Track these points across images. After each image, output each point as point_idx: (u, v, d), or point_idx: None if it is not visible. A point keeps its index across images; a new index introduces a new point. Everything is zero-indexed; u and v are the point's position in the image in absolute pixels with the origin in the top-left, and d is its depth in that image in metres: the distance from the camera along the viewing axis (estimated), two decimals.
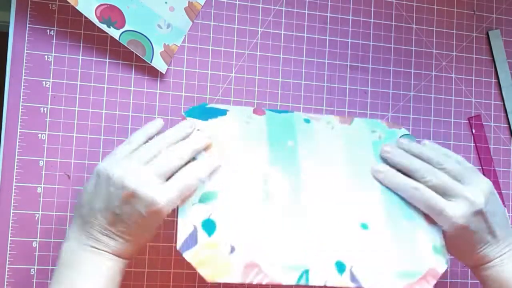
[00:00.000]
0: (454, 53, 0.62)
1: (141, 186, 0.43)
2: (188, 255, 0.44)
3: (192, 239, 0.45)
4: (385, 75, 0.60)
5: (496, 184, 0.62)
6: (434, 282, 0.48)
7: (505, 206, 0.62)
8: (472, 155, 0.61)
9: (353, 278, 0.47)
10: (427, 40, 0.62)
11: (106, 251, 0.43)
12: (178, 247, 0.45)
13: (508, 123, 0.63)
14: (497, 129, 0.63)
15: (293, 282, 0.45)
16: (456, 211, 0.47)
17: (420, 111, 0.61)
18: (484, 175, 0.61)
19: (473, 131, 0.62)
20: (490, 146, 0.62)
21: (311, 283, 0.46)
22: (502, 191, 0.62)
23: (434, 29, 0.62)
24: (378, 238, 0.49)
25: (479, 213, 0.47)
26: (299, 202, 0.49)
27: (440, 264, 0.49)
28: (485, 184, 0.49)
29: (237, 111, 0.53)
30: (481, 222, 0.47)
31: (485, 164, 0.62)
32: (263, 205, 0.48)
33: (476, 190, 0.48)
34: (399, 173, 0.50)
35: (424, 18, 0.62)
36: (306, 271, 0.46)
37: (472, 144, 0.62)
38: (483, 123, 0.62)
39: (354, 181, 0.51)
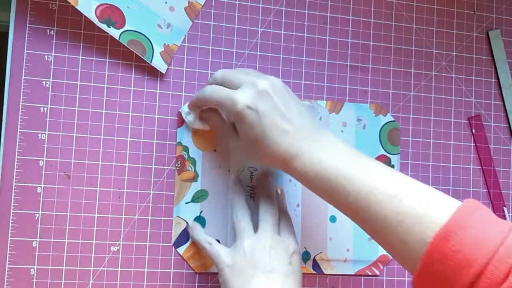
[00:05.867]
0: (454, 53, 0.62)
1: None
2: (180, 250, 0.53)
3: (184, 235, 0.53)
4: (385, 75, 0.60)
5: (496, 184, 0.62)
6: (382, 267, 0.57)
7: (504, 206, 0.62)
8: (472, 155, 0.61)
9: (315, 266, 0.56)
10: (427, 40, 0.62)
11: None
12: (172, 243, 0.53)
13: (508, 123, 0.63)
14: (497, 129, 0.63)
15: None
16: (241, 93, 0.46)
17: (420, 111, 0.61)
18: (484, 175, 0.61)
19: (473, 131, 0.62)
20: (490, 146, 0.62)
21: None
22: (502, 191, 0.62)
23: (434, 29, 0.62)
24: (341, 230, 0.57)
25: (264, 92, 0.45)
26: (282, 197, 0.54)
27: None
28: (274, 78, 0.47)
29: None
30: (269, 103, 0.45)
31: (485, 164, 0.62)
32: (248, 201, 0.53)
33: (261, 78, 0.47)
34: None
35: (424, 18, 0.62)
36: None
37: (472, 144, 0.62)
38: (483, 123, 0.62)
39: None
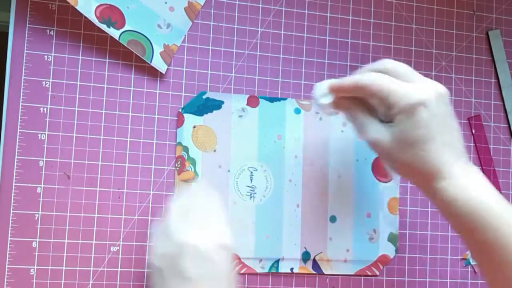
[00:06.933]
0: (454, 53, 0.62)
1: None
2: None
3: None
4: None
5: (496, 184, 0.62)
6: (382, 267, 0.57)
7: None
8: (472, 155, 0.61)
9: (314, 266, 0.56)
10: (427, 40, 0.62)
11: None
12: None
13: (508, 123, 0.63)
14: (497, 129, 0.63)
15: (266, 270, 0.55)
16: (420, 88, 0.43)
17: None
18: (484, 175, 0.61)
19: (473, 131, 0.62)
20: (490, 146, 0.62)
21: (280, 271, 0.55)
22: (502, 191, 0.62)
23: (434, 29, 0.62)
24: (342, 230, 0.57)
25: (442, 97, 0.43)
26: (281, 197, 0.56)
27: (390, 251, 0.57)
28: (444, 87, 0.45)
29: (232, 102, 0.56)
30: (444, 109, 0.43)
31: (485, 164, 0.62)
32: (247, 201, 0.55)
33: (438, 83, 0.44)
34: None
35: (424, 18, 0.62)
36: (277, 261, 0.55)
37: (472, 144, 0.62)
38: (483, 123, 0.62)
39: (332, 177, 0.57)
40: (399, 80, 0.44)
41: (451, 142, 0.43)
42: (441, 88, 0.43)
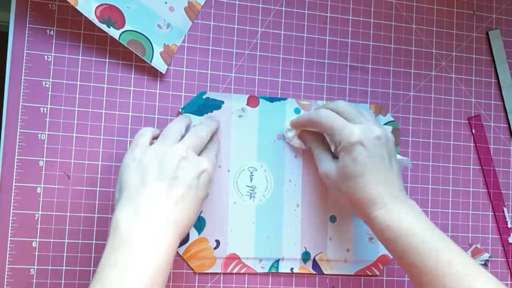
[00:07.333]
0: (454, 53, 0.62)
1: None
2: (180, 251, 0.54)
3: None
4: (385, 75, 0.60)
5: (496, 184, 0.62)
6: (382, 267, 0.57)
7: (504, 206, 0.62)
8: (472, 155, 0.61)
9: (314, 266, 0.56)
10: (427, 40, 0.62)
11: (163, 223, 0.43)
12: None
13: (508, 123, 0.63)
14: (497, 129, 0.63)
15: (266, 270, 0.55)
16: (360, 129, 0.49)
17: (420, 111, 0.61)
18: (484, 175, 0.61)
19: (473, 131, 0.62)
20: (490, 146, 0.62)
21: (280, 271, 0.55)
22: (502, 191, 0.62)
23: (434, 29, 0.62)
24: (342, 230, 0.57)
25: (379, 139, 0.49)
26: (281, 197, 0.56)
27: None
28: (388, 130, 0.51)
29: (232, 102, 0.56)
30: (380, 150, 0.48)
31: (485, 164, 0.62)
32: (247, 201, 0.55)
33: (379, 126, 0.50)
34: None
35: (424, 18, 0.62)
36: (277, 261, 0.55)
37: (472, 144, 0.62)
38: (483, 123, 0.62)
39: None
40: (347, 120, 0.50)
41: (386, 179, 0.48)
42: (380, 132, 0.49)
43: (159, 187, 0.44)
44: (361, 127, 0.49)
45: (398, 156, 0.53)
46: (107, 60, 0.54)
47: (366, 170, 0.48)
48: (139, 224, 0.42)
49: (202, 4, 0.56)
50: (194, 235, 0.54)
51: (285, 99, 0.57)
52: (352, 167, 0.48)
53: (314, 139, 0.54)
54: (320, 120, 0.51)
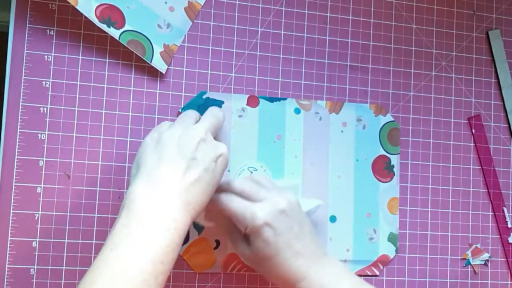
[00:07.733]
0: (454, 53, 0.62)
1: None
2: (180, 250, 0.52)
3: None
4: (385, 75, 0.60)
5: (496, 184, 0.62)
6: (382, 267, 0.57)
7: (504, 206, 0.62)
8: (472, 155, 0.61)
9: None
10: (427, 40, 0.62)
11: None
12: None
13: (508, 123, 0.63)
14: (497, 129, 0.63)
15: None
16: (262, 210, 0.47)
17: (420, 111, 0.61)
18: (484, 175, 0.61)
19: (473, 131, 0.62)
20: (490, 146, 0.62)
21: None
22: (502, 191, 0.62)
23: (434, 29, 0.62)
24: (342, 230, 0.57)
25: (284, 212, 0.47)
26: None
27: (390, 251, 0.58)
28: (290, 195, 0.49)
29: (232, 102, 0.56)
30: (286, 223, 0.47)
31: (485, 164, 0.62)
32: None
33: (281, 196, 0.48)
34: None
35: (424, 18, 0.62)
36: None
37: (472, 144, 0.62)
38: (483, 123, 0.62)
39: (332, 177, 0.57)
40: (248, 199, 0.48)
41: (301, 248, 0.47)
42: (284, 204, 0.47)
43: (177, 166, 0.44)
44: (263, 206, 0.47)
45: (304, 204, 0.51)
46: (107, 60, 0.54)
47: (279, 247, 0.46)
48: (155, 201, 0.42)
49: (202, 4, 0.56)
50: (194, 235, 0.54)
51: (285, 99, 0.57)
52: (264, 250, 0.47)
53: (226, 222, 0.51)
54: (221, 207, 0.48)
